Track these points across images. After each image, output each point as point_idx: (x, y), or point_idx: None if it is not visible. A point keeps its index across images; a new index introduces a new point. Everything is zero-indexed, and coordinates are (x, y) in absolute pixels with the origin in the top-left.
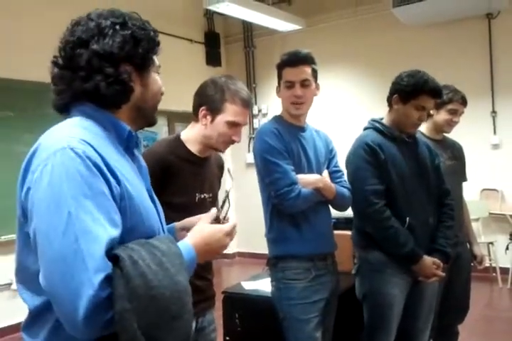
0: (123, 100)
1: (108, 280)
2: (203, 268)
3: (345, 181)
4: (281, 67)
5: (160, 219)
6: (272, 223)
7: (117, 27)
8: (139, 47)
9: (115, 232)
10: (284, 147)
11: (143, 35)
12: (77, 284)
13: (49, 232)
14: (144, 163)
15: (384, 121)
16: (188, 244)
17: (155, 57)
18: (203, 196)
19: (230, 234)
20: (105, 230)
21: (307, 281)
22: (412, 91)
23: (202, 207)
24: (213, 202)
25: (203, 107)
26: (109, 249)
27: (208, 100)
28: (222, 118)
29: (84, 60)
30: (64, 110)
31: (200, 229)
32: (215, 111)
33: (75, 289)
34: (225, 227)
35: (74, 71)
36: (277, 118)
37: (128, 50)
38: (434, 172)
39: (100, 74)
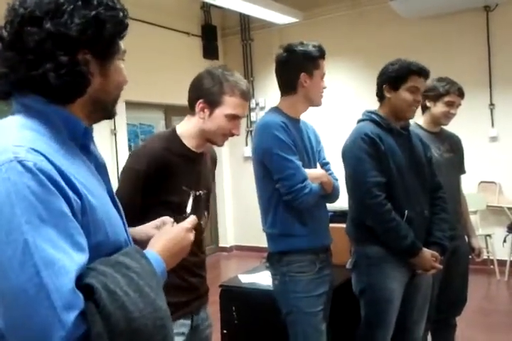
0: (76, 94)
1: (81, 316)
2: (196, 265)
3: (333, 173)
4: (319, 57)
5: (125, 228)
6: (275, 218)
7: (79, 3)
8: (103, 31)
9: (82, 258)
10: (291, 141)
11: (109, 16)
12: (44, 325)
13: (2, 264)
14: (103, 161)
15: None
16: (155, 254)
17: (121, 42)
18: (198, 193)
19: (191, 228)
20: (71, 258)
21: (312, 274)
22: (399, 75)
23: (198, 204)
24: (208, 198)
25: (200, 100)
26: (77, 277)
27: (205, 93)
28: (221, 112)
29: (35, 41)
30: (7, 97)
31: (160, 234)
32: (213, 104)
33: (41, 331)
34: (185, 224)
35: (20, 53)
36: (277, 111)
37: (89, 35)
38: (427, 165)
39: (51, 61)
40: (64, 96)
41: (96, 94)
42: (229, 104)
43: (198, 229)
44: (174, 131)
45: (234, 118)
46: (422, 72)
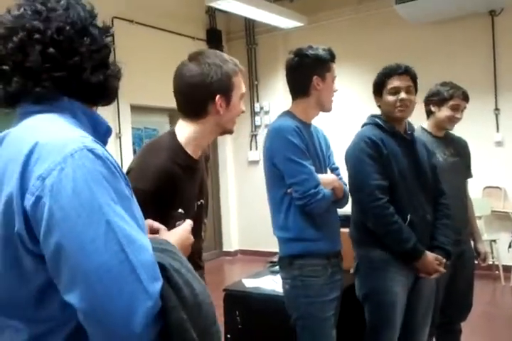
0: (116, 96)
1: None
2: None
3: (342, 178)
4: (330, 60)
5: None
6: (287, 222)
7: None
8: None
9: (148, 241)
10: (305, 146)
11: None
12: (129, 298)
13: (85, 245)
14: None
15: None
16: None
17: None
18: (199, 202)
19: (190, 230)
20: (145, 238)
21: (325, 278)
22: (378, 82)
23: (200, 214)
24: (207, 205)
25: (217, 96)
26: None
27: (219, 85)
28: (236, 96)
29: (83, 51)
30: (14, 102)
31: (165, 236)
32: (228, 92)
33: (126, 304)
34: (186, 226)
35: (66, 57)
36: (290, 115)
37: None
38: (431, 171)
39: (106, 68)
40: (102, 99)
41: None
42: (238, 85)
43: (199, 237)
44: (175, 138)
45: (242, 97)
46: (395, 71)
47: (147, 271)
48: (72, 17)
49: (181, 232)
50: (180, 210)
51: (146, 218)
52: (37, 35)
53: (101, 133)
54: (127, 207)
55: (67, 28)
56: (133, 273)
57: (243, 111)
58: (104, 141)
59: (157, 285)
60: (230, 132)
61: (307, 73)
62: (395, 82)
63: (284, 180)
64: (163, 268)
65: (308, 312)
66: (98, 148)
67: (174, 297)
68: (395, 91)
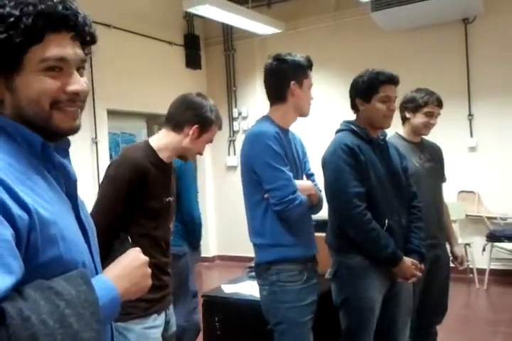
0: None
1: None
2: (167, 265)
3: (318, 184)
4: (308, 67)
5: (91, 250)
6: (263, 228)
7: None
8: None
9: (7, 281)
10: (283, 152)
11: (5, 26)
12: None
13: None
14: (75, 177)
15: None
16: (106, 281)
17: (39, 51)
18: (168, 199)
19: (140, 251)
20: None
21: (301, 283)
22: (370, 86)
23: (168, 209)
24: (174, 204)
25: (196, 125)
26: None
27: (204, 120)
28: (206, 137)
29: None
30: None
31: (115, 262)
32: (204, 130)
33: None
34: (136, 249)
35: None
36: (269, 120)
37: None
38: (403, 175)
39: None
40: None
41: (14, 109)
42: (212, 132)
43: (168, 228)
44: (148, 144)
45: (209, 142)
46: (392, 81)
47: None
48: None
49: (129, 253)
50: (130, 240)
51: (120, 204)
52: None
53: (37, 149)
54: None
55: None
56: None
57: (201, 154)
58: (48, 158)
59: None
60: (185, 159)
61: (285, 78)
62: (388, 91)
63: (261, 186)
64: (3, 314)
65: (286, 317)
66: None
67: None
68: (386, 100)
